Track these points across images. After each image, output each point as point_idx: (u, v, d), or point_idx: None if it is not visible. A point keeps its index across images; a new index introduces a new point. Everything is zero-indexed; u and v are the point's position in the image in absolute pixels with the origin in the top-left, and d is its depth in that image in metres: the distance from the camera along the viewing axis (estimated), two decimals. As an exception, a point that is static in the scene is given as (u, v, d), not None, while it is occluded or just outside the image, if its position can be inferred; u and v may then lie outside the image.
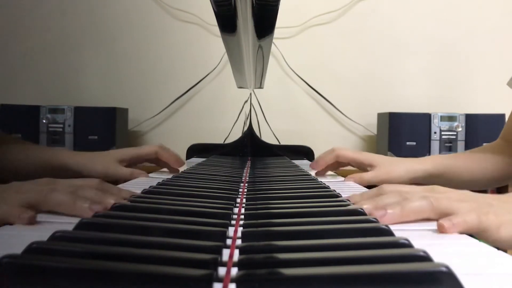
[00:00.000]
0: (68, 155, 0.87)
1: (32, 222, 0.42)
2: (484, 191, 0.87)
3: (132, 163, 0.91)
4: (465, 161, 0.89)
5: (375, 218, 0.41)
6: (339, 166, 0.93)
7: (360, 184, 0.82)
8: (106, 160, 0.86)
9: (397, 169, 0.84)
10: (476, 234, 0.44)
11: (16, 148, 0.89)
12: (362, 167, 0.88)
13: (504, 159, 0.89)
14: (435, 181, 0.81)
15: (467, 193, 0.49)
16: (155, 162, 0.93)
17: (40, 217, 0.44)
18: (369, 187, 0.66)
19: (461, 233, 0.42)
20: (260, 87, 1.22)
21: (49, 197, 0.46)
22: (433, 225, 0.44)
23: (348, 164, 0.91)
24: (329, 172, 0.96)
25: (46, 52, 1.98)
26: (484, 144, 1.07)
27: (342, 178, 0.87)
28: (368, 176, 0.84)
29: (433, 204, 0.45)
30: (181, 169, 0.94)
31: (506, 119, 0.99)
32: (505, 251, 0.37)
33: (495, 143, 0.97)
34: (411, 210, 0.45)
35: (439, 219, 0.43)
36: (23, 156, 0.88)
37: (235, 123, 1.74)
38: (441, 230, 0.41)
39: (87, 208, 0.44)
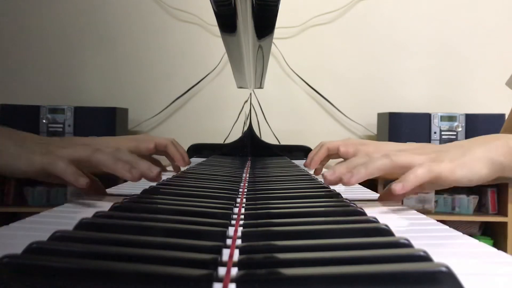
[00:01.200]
0: (79, 139, 0.88)
1: (89, 188, 0.46)
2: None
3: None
4: None
5: (375, 218, 0.41)
6: (329, 159, 0.94)
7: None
8: (120, 143, 0.87)
9: (388, 146, 0.86)
10: (433, 182, 0.50)
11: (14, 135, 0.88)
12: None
13: None
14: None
15: (427, 145, 0.55)
16: (164, 154, 0.92)
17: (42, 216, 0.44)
18: None
19: (416, 191, 0.49)
20: (260, 87, 1.22)
21: (94, 156, 0.48)
22: (432, 225, 0.43)
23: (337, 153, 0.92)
24: (325, 170, 0.97)
25: (46, 52, 1.98)
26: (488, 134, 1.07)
27: None
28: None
29: (393, 159, 0.50)
30: (182, 169, 0.94)
31: (506, 118, 1.00)
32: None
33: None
34: (375, 168, 0.50)
35: (400, 172, 0.49)
36: None
37: (235, 123, 1.74)
38: (393, 193, 0.48)
39: (128, 171, 0.48)
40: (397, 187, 0.48)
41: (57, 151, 0.48)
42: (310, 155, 0.91)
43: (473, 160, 0.50)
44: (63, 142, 0.51)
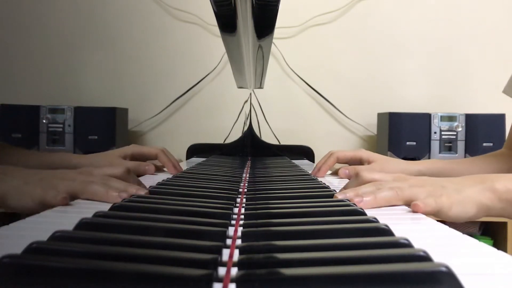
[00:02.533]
0: (75, 157, 0.92)
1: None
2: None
3: (134, 159, 0.93)
4: (466, 166, 0.90)
5: (375, 218, 0.41)
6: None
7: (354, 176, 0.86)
8: (109, 158, 0.91)
9: (391, 167, 0.88)
10: (434, 214, 0.53)
11: (15, 156, 0.89)
12: (361, 163, 0.91)
13: (507, 166, 0.89)
14: None
15: (424, 178, 0.59)
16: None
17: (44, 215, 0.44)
18: None
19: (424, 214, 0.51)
20: (260, 87, 1.22)
21: (88, 188, 0.54)
22: (432, 225, 0.43)
23: (347, 163, 0.94)
24: (328, 172, 0.97)
25: (46, 52, 1.98)
26: (484, 144, 1.07)
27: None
28: (363, 168, 0.87)
29: (398, 194, 0.55)
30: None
31: (507, 122, 1.00)
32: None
33: (499, 151, 0.97)
34: (382, 199, 0.55)
35: (404, 204, 0.54)
36: (22, 164, 0.89)
37: (235, 123, 1.74)
38: (414, 210, 0.52)
39: (117, 196, 0.53)
40: (419, 207, 0.52)
41: (57, 184, 0.54)
42: (318, 164, 0.94)
43: (465, 200, 0.55)
44: (68, 174, 0.57)
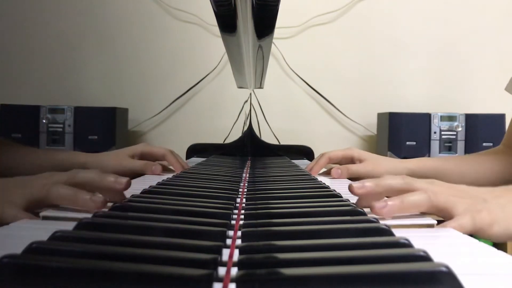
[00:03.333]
0: (84, 155, 0.91)
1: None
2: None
3: (143, 158, 0.93)
4: (457, 164, 0.89)
5: (375, 218, 0.41)
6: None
7: (346, 174, 0.86)
8: (119, 156, 0.90)
9: (383, 165, 0.89)
10: (471, 233, 0.45)
11: (19, 153, 0.89)
12: (352, 162, 0.92)
13: (502, 162, 0.89)
14: None
15: (463, 187, 0.51)
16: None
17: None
18: (353, 179, 0.72)
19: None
20: (260, 87, 1.22)
21: (52, 192, 0.47)
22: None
23: (338, 163, 0.95)
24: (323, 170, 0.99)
25: (46, 52, 1.98)
26: (484, 144, 1.07)
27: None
28: (354, 167, 0.88)
29: (431, 199, 0.47)
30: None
31: (507, 122, 0.99)
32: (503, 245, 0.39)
33: (496, 148, 0.97)
34: (410, 204, 0.46)
35: (434, 213, 0.46)
36: (29, 161, 0.88)
37: (235, 123, 1.74)
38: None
39: (89, 200, 0.46)
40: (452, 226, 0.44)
41: (14, 197, 0.46)
42: (310, 165, 0.94)
43: (510, 217, 0.47)
44: (27, 182, 0.49)
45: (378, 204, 0.46)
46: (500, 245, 1.78)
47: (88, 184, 0.49)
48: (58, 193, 0.47)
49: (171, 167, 0.95)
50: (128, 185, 0.51)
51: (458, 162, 0.90)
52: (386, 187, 0.49)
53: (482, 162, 0.90)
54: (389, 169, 0.87)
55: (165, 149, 0.95)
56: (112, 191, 0.50)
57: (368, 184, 0.49)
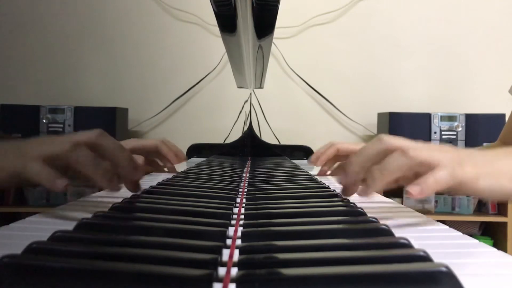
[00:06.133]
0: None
1: (65, 190, 0.41)
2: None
3: (134, 154, 0.90)
4: None
5: (375, 218, 0.41)
6: (335, 161, 0.90)
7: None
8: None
9: None
10: (454, 189, 0.43)
11: None
12: None
13: None
14: None
15: (447, 146, 0.47)
16: (156, 157, 0.90)
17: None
18: None
19: (437, 192, 0.42)
20: (260, 87, 1.22)
21: (73, 153, 0.43)
22: (432, 225, 0.43)
23: (346, 155, 0.90)
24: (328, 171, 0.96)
25: (46, 52, 1.98)
26: (484, 144, 1.06)
27: None
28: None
29: (411, 157, 0.43)
30: (181, 168, 0.94)
31: (506, 119, 0.99)
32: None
33: (492, 145, 0.96)
34: (391, 169, 0.43)
35: (419, 171, 0.43)
36: None
37: (235, 123, 1.74)
38: (409, 196, 0.42)
39: (108, 173, 0.44)
40: (414, 191, 0.42)
41: (30, 151, 0.43)
42: (317, 152, 0.86)
43: (499, 172, 0.44)
44: (38, 140, 0.45)
45: (360, 189, 0.45)
46: (500, 245, 1.78)
47: (108, 154, 0.46)
48: (78, 156, 0.43)
49: (166, 169, 0.93)
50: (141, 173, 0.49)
51: None
52: (365, 162, 0.46)
53: None
54: None
55: (156, 140, 0.88)
56: (130, 174, 0.48)
57: (350, 173, 0.46)
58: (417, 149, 0.44)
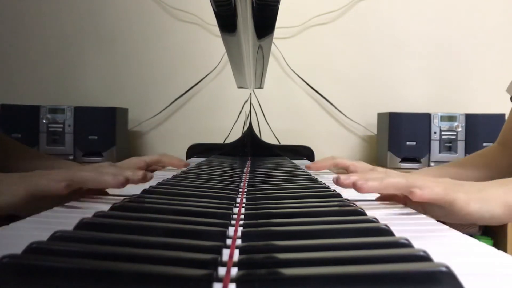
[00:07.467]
0: (77, 166, 0.89)
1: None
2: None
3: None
4: (455, 173, 0.87)
5: (375, 218, 0.41)
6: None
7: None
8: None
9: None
10: (446, 207, 0.50)
11: (10, 150, 0.87)
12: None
13: (497, 163, 0.88)
14: None
15: (443, 178, 0.54)
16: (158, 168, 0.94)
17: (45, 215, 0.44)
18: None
19: (430, 202, 0.49)
20: (260, 87, 1.22)
21: (77, 175, 0.51)
22: (432, 225, 0.43)
23: (345, 170, 0.95)
24: (326, 170, 0.99)
25: (46, 52, 1.98)
26: (484, 144, 1.06)
27: None
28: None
29: (409, 181, 0.51)
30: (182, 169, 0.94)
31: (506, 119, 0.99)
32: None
33: (490, 148, 0.96)
34: (389, 183, 0.51)
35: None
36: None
37: (235, 123, 1.74)
38: (411, 197, 0.49)
39: (111, 179, 0.51)
40: (416, 193, 0.48)
41: (39, 176, 0.50)
42: (317, 162, 0.96)
43: (489, 198, 0.50)
44: (44, 172, 0.52)
45: (359, 182, 0.51)
46: (500, 245, 1.78)
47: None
48: (83, 176, 0.51)
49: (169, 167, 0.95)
50: (144, 178, 0.56)
51: (457, 171, 0.88)
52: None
53: (478, 168, 0.87)
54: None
55: (156, 155, 0.92)
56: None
57: (353, 176, 0.53)
58: (414, 178, 0.52)
